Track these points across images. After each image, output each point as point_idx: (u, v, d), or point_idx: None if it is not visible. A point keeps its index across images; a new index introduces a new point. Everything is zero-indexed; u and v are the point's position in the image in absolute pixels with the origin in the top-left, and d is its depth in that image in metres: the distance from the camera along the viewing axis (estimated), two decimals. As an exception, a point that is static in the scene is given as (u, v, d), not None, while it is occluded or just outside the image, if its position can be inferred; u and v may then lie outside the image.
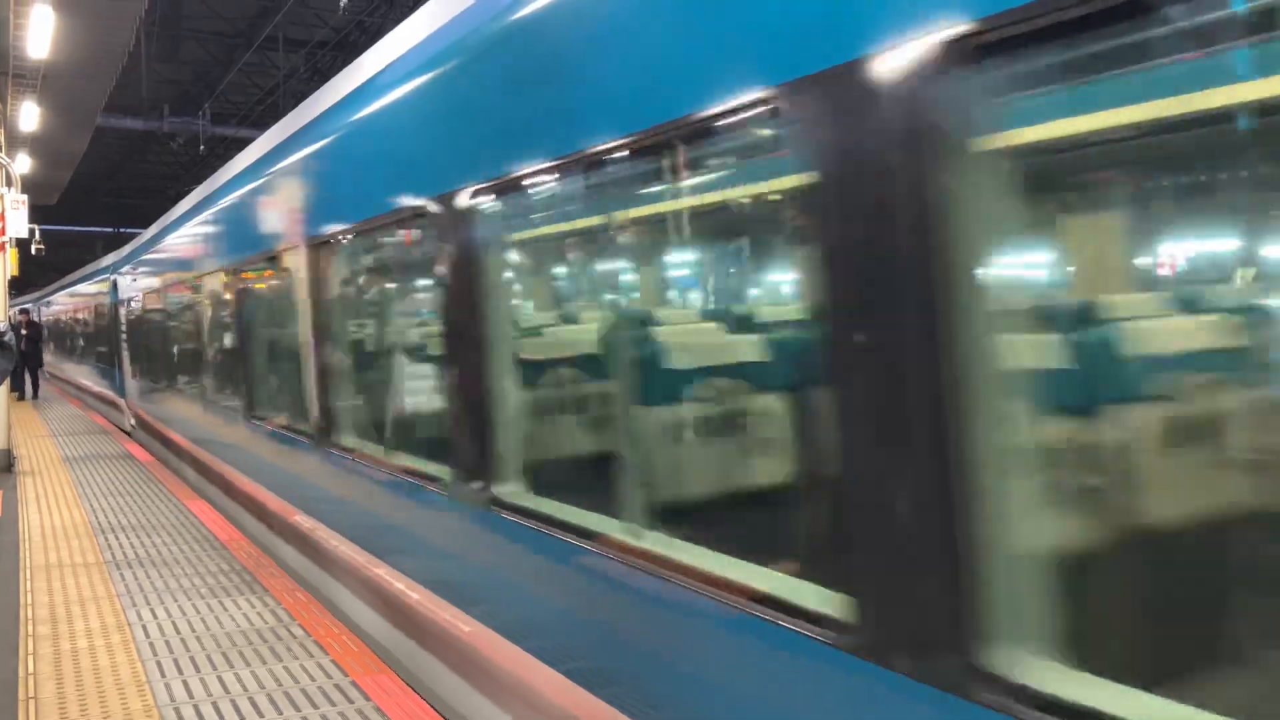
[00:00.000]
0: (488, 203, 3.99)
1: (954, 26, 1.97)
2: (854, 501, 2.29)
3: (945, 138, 2.02)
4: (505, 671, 3.99)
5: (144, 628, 6.04)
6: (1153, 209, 3.36)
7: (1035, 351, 2.40)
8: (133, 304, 15.99)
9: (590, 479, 3.84)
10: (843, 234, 2.26)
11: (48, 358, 30.49)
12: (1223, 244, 3.41)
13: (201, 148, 26.61)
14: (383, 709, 4.65)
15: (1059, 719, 1.88)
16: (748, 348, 3.88)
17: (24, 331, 22.67)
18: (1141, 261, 3.52)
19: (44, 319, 35.57)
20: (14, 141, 16.51)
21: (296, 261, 6.53)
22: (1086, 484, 2.69)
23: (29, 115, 14.90)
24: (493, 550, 4.15)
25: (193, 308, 10.88)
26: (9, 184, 12.77)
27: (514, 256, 4.37)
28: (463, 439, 4.31)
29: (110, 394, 20.56)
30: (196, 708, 4.76)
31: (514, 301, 4.40)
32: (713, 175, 3.33)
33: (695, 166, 3.19)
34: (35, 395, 24.53)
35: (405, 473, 5.04)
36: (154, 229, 14.77)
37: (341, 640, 5.67)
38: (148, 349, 14.75)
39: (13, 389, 22.61)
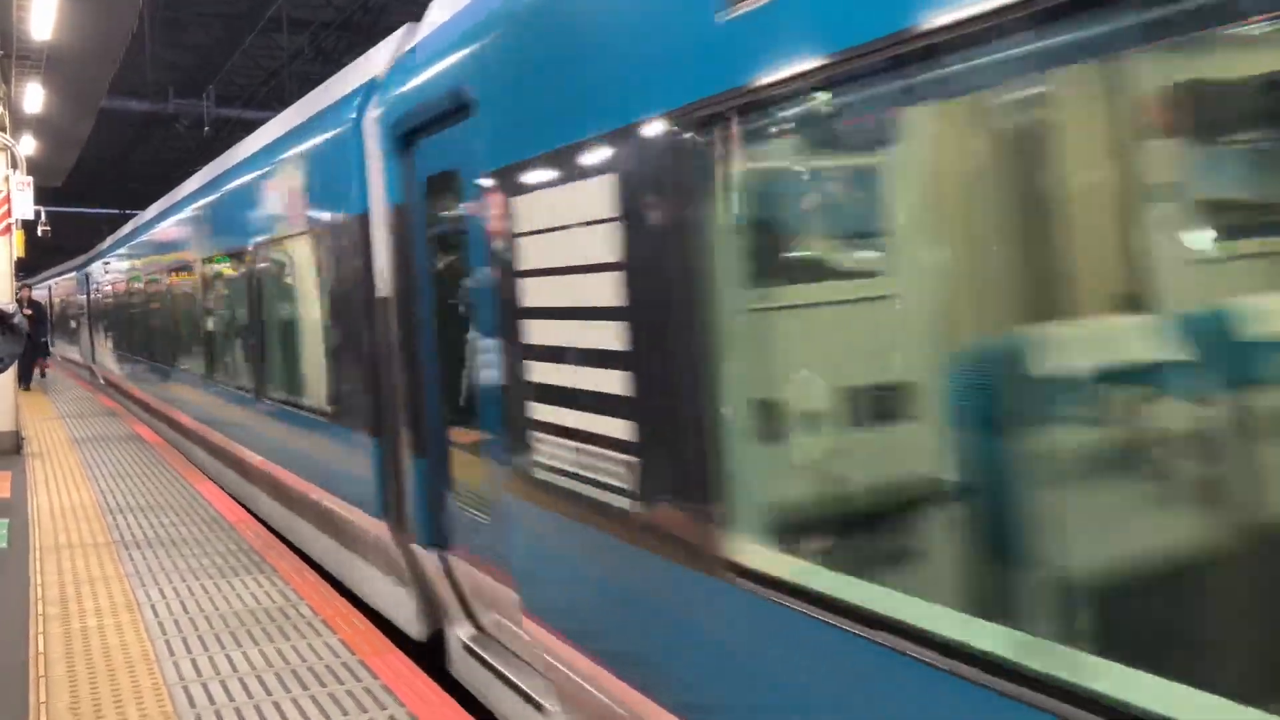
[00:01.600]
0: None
1: None
2: None
3: None
4: None
5: (153, 607, 6.07)
6: None
7: None
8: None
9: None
10: None
11: (108, 365, 21.08)
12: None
13: (206, 129, 26.52)
14: (392, 688, 4.67)
15: None
16: None
17: (28, 312, 21.89)
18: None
19: (100, 290, 21.71)
20: (19, 123, 16.47)
21: None
22: None
23: (33, 97, 14.85)
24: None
25: None
26: (14, 165, 12.76)
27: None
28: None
29: (357, 516, 6.00)
30: (205, 686, 4.78)
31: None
32: None
33: None
34: (27, 385, 21.02)
35: None
36: None
37: (350, 620, 5.69)
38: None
39: (20, 378, 20.82)
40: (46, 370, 25.78)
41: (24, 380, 20.89)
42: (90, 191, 42.19)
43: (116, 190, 44.65)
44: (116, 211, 44.84)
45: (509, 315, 3.83)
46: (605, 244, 3.16)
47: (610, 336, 3.18)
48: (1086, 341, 2.05)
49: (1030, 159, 2.10)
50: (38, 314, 21.11)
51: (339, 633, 5.46)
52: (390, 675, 4.83)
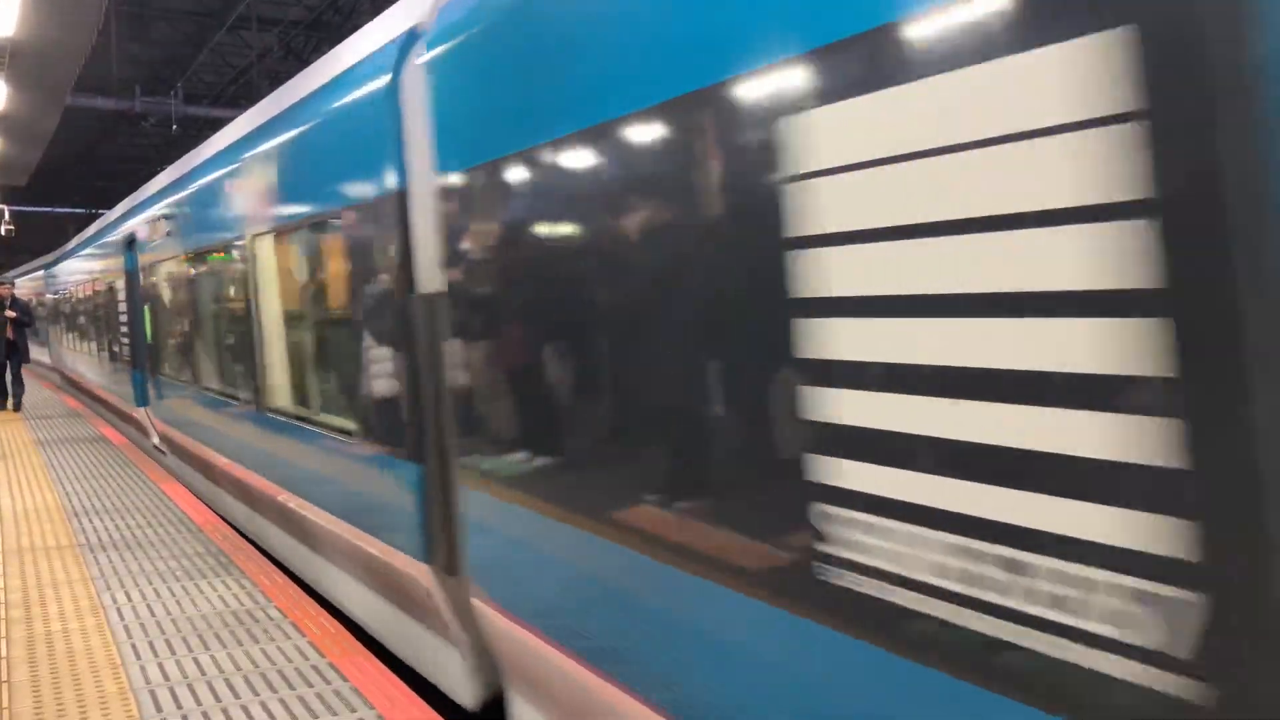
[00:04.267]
0: None
1: None
2: None
3: None
4: None
5: (118, 610, 6.00)
6: None
7: None
8: None
9: None
10: None
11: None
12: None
13: (174, 128, 26.25)
14: (360, 690, 4.64)
15: None
16: None
17: (9, 313, 16.99)
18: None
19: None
20: (-19, 121, 16.25)
21: None
22: None
23: (-4, 94, 14.66)
24: None
25: None
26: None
27: None
28: None
29: None
30: (172, 690, 4.74)
31: None
32: None
33: None
34: (18, 403, 17.60)
35: None
36: None
37: (319, 622, 5.65)
38: None
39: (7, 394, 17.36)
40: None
41: (13, 397, 17.42)
42: (55, 190, 41.63)
43: (81, 188, 44.09)
44: (83, 210, 44.27)
45: None
46: None
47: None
48: None
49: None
50: (22, 316, 17.49)
51: (308, 635, 5.43)
52: (359, 677, 4.80)
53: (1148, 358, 1.64)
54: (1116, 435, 1.69)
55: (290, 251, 6.52)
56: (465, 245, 3.92)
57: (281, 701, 4.56)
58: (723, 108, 2.48)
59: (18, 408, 17.48)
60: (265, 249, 6.94)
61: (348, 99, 5.03)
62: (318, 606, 5.97)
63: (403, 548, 4.73)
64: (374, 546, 5.13)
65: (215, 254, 8.32)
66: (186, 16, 25.71)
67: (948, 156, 1.94)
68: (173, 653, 5.24)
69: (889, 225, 2.08)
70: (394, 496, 4.75)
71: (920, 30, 1.97)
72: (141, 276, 11.85)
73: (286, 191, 6.18)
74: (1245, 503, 1.53)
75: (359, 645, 5.25)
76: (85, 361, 18.46)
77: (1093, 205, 1.70)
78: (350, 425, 5.35)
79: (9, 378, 17.56)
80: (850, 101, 2.15)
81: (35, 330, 25.07)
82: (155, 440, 12.29)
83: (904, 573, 2.13)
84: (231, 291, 7.95)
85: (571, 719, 3.53)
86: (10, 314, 17.10)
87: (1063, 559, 1.79)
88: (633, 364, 2.97)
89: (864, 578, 2.21)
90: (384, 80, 4.53)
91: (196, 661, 5.09)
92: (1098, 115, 1.68)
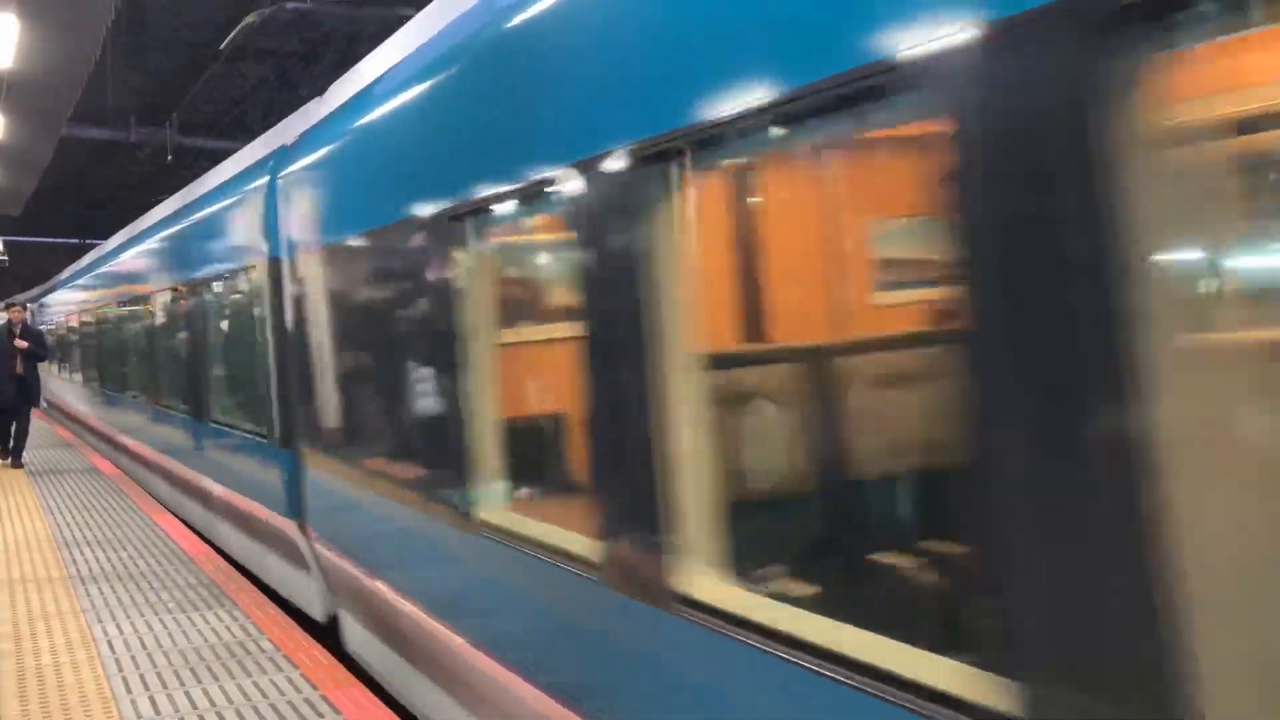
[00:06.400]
0: None
1: None
2: None
3: None
4: None
5: (110, 643, 5.96)
6: None
7: None
8: None
9: None
10: None
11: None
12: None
13: (169, 158, 26.32)
14: (354, 723, 4.61)
15: None
16: None
17: (19, 342, 13.41)
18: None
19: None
20: (-23, 151, 16.30)
21: None
22: None
23: (-8, 124, 14.71)
24: None
25: None
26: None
27: None
28: None
29: None
30: (164, 724, 4.70)
31: None
32: None
33: None
34: (18, 457, 13.94)
35: None
36: None
37: (312, 654, 5.62)
38: None
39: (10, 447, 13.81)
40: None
41: (14, 453, 13.93)
42: (48, 219, 41.68)
43: (75, 218, 44.15)
44: (75, 241, 44.33)
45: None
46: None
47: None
48: None
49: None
50: (35, 347, 13.70)
51: (301, 667, 5.39)
52: (352, 709, 4.77)
53: None
54: None
55: None
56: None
57: (274, 735, 4.52)
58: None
59: (13, 461, 13.97)
60: None
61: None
62: (309, 638, 5.94)
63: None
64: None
65: None
66: (182, 47, 25.85)
67: None
68: (164, 686, 5.20)
69: None
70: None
71: None
72: None
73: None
74: None
75: (352, 678, 5.22)
76: None
77: None
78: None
79: (15, 424, 13.82)
80: None
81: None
82: None
83: None
84: None
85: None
86: (21, 344, 13.35)
87: None
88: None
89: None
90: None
91: (189, 695, 5.06)
92: None
